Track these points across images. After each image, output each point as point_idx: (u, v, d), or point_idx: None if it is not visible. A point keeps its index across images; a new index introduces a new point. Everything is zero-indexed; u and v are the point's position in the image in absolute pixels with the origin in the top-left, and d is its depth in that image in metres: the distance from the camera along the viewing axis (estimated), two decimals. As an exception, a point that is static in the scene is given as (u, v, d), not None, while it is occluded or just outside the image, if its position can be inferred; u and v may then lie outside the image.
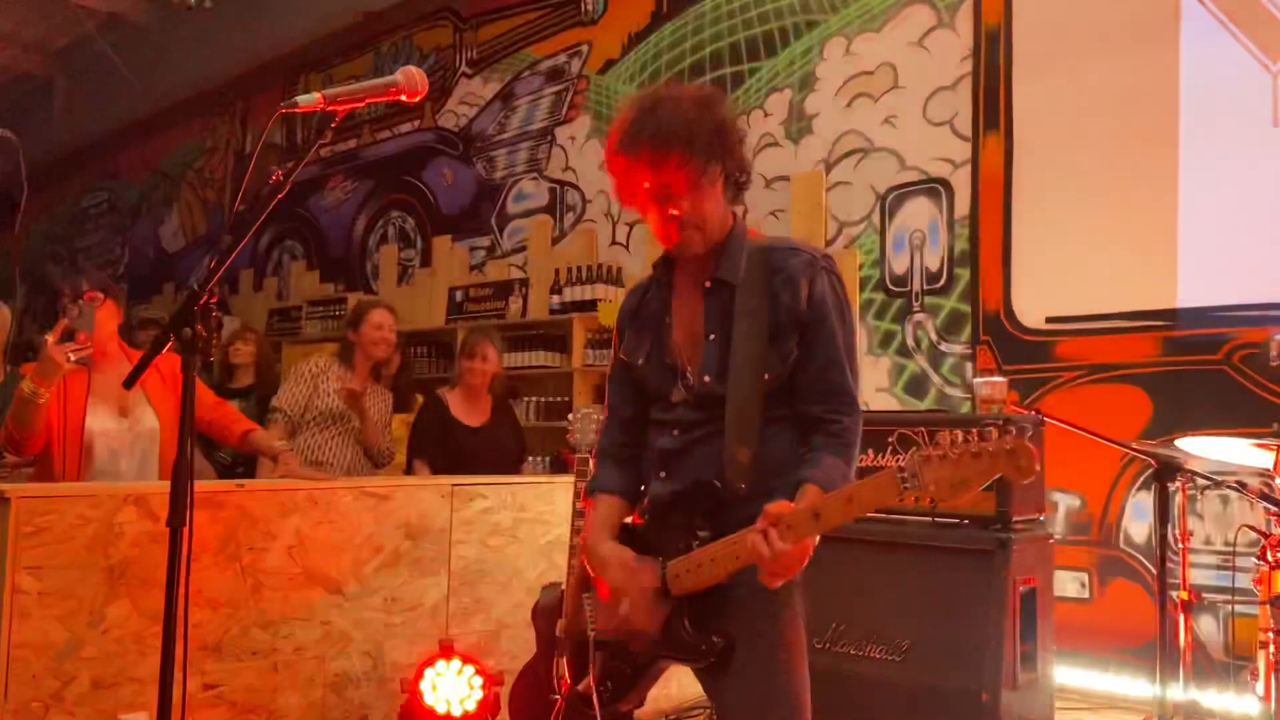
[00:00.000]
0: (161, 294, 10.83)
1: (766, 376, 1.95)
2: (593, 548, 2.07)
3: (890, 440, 3.37)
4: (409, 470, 4.64)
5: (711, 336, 2.00)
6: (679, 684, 3.67)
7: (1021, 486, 3.20)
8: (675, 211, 1.95)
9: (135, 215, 11.81)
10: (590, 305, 6.30)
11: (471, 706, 3.21)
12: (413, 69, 1.93)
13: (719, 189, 2.00)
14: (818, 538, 1.83)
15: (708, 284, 2.02)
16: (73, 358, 3.07)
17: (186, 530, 1.74)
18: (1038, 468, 1.56)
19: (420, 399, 4.97)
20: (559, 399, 6.40)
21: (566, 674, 2.15)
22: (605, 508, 2.11)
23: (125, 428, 3.32)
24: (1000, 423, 1.61)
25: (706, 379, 1.99)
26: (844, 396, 1.97)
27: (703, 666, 1.98)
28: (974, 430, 1.60)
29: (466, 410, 4.72)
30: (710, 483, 1.95)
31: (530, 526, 3.78)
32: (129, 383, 1.85)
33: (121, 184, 12.14)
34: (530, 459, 5.64)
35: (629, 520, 2.11)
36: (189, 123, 10.88)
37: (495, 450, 4.74)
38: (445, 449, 4.57)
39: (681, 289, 2.09)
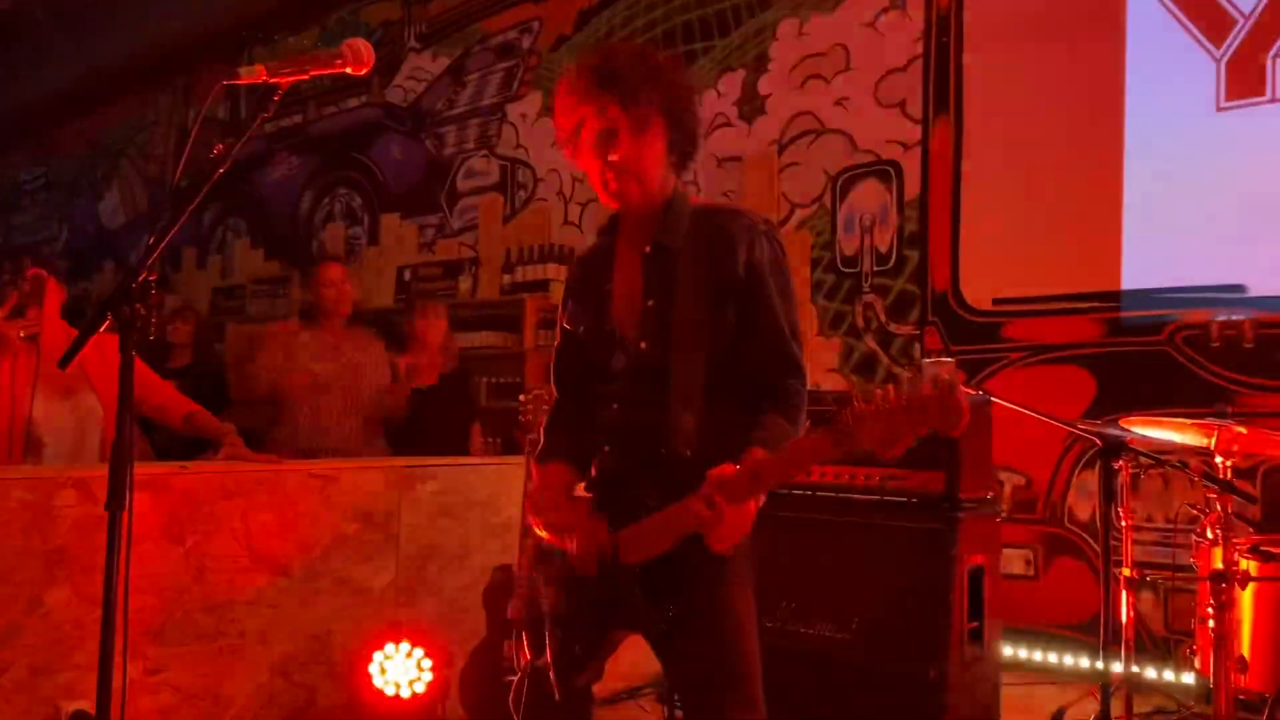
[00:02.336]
0: (102, 272, 10.59)
1: (707, 343, 1.95)
2: (540, 506, 2.07)
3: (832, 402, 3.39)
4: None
5: (650, 303, 1.99)
6: (631, 662, 3.68)
7: (970, 467, 3.24)
8: (614, 157, 1.94)
9: (74, 191, 11.51)
10: (542, 285, 6.27)
11: (421, 689, 3.18)
12: (358, 41, 1.88)
13: (661, 146, 1.99)
14: (762, 500, 1.86)
15: (647, 249, 2.01)
16: (23, 334, 3.01)
17: (126, 514, 1.70)
18: (966, 419, 1.57)
19: None
20: (510, 380, 6.37)
21: (526, 650, 2.14)
22: (553, 473, 2.11)
23: (68, 410, 3.25)
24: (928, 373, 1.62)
25: (644, 346, 1.98)
26: (787, 360, 1.98)
27: (655, 635, 1.99)
28: (904, 383, 1.61)
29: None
30: (656, 451, 1.94)
31: (480, 508, 3.75)
32: (64, 363, 1.79)
33: (60, 158, 11.83)
34: (488, 439, 5.60)
35: (577, 493, 2.10)
36: (130, 96, 10.61)
37: (443, 413, 4.78)
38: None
39: (623, 255, 2.08)
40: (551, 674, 2.03)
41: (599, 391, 2.07)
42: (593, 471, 2.08)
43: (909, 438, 1.62)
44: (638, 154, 1.95)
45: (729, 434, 1.91)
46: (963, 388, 1.59)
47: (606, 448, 2.04)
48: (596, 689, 2.18)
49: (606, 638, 2.06)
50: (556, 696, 2.02)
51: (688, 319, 1.95)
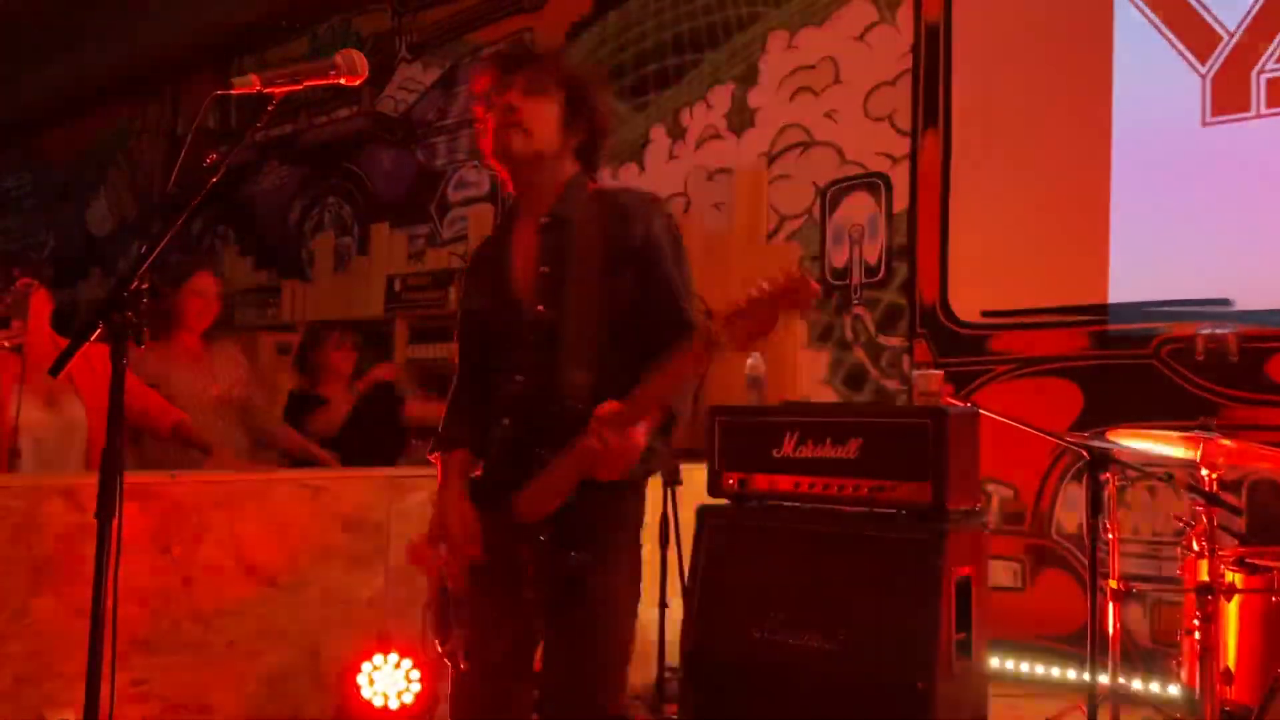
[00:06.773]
0: (88, 279, 10.55)
1: (603, 306, 2.05)
2: (447, 508, 2.13)
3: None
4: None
5: (545, 269, 2.09)
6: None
7: (958, 478, 3.24)
8: (498, 100, 2.08)
9: (61, 198, 11.47)
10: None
11: (409, 700, 3.18)
12: (352, 52, 1.89)
13: (554, 113, 2.10)
14: (648, 435, 1.97)
15: (545, 220, 2.11)
16: (7, 344, 3.01)
17: (116, 522, 1.69)
18: (815, 300, 1.75)
19: None
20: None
21: (435, 638, 2.20)
22: (455, 464, 2.17)
23: (52, 419, 3.24)
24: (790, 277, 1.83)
25: (540, 309, 2.07)
26: (682, 318, 2.06)
27: (554, 593, 2.05)
28: (763, 279, 1.80)
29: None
30: (551, 410, 2.02)
31: (470, 518, 3.74)
32: (55, 370, 1.79)
33: (47, 165, 11.79)
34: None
35: (475, 474, 2.17)
36: (118, 104, 10.58)
37: (362, 439, 4.67)
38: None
39: (521, 229, 2.18)
40: (460, 656, 2.12)
41: (500, 365, 2.13)
42: (491, 450, 2.14)
43: (768, 326, 1.78)
44: (526, 108, 2.06)
45: (625, 390, 1.98)
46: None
47: (506, 421, 2.11)
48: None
49: (520, 605, 2.10)
50: (463, 667, 2.12)
51: (582, 283, 2.05)
